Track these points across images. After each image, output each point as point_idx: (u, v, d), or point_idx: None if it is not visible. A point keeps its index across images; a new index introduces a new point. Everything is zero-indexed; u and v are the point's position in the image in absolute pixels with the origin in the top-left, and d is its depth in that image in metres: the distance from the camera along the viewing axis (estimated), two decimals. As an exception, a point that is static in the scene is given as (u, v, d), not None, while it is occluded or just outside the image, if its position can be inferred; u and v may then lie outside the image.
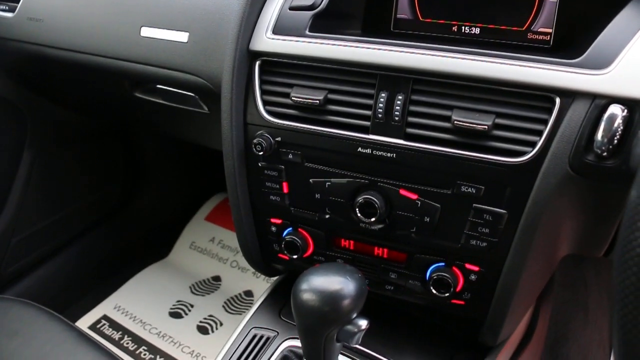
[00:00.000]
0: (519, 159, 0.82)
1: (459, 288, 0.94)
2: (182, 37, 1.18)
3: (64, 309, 2.14)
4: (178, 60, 1.20)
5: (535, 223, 0.84)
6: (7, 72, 1.70)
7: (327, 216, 0.98)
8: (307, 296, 0.80)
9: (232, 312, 2.08)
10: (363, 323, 0.82)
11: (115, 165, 2.25)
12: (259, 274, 2.21)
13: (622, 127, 0.75)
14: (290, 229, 1.04)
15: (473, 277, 0.93)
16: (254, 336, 1.08)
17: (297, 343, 1.04)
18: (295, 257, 1.04)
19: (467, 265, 0.93)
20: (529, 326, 1.27)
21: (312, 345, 0.84)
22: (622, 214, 0.52)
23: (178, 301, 2.14)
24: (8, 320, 1.49)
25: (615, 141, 0.75)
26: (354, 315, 0.82)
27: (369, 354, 1.02)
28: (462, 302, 0.96)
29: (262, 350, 1.06)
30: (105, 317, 2.10)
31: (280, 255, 1.08)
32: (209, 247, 2.37)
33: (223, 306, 2.10)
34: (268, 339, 1.07)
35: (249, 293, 2.15)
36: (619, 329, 0.50)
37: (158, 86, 1.34)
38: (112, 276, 2.27)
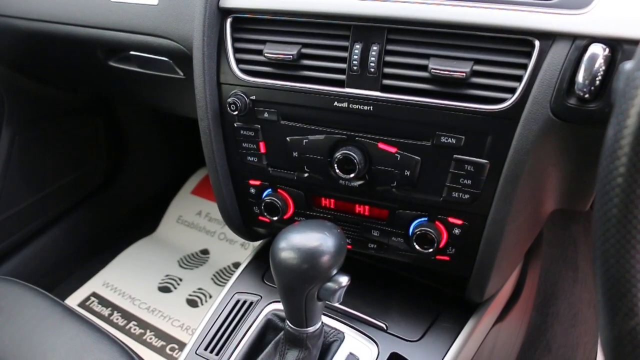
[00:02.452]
0: (499, 106, 0.80)
1: (442, 243, 0.92)
2: (152, -1, 1.15)
3: (52, 287, 2.12)
4: (149, 24, 1.17)
5: (518, 172, 0.82)
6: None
7: (306, 175, 0.96)
8: (285, 254, 0.78)
9: (221, 284, 2.07)
10: (344, 280, 0.80)
11: (97, 141, 2.21)
12: (247, 245, 2.19)
13: (603, 68, 0.73)
14: (270, 190, 1.02)
15: (457, 231, 0.91)
16: (237, 301, 1.06)
17: (281, 306, 1.02)
18: (275, 218, 1.01)
19: (450, 219, 0.91)
20: (517, 284, 1.26)
21: (293, 305, 0.82)
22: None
23: (167, 275, 2.13)
24: (-7, 297, 1.48)
25: (597, 82, 0.73)
26: (334, 272, 0.80)
27: (353, 314, 1.01)
28: (446, 258, 0.94)
29: (246, 315, 1.04)
30: (94, 294, 2.08)
31: (261, 217, 1.05)
32: (196, 221, 2.35)
33: (212, 278, 2.09)
34: (252, 303, 1.05)
35: (237, 265, 2.13)
36: (601, 265, 0.48)
37: (131, 53, 1.31)
38: (99, 253, 2.24)
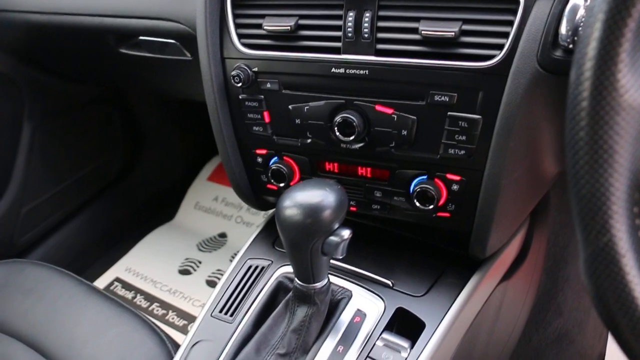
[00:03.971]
0: (488, 63, 0.83)
1: (442, 200, 0.96)
2: (155, -17, 1.20)
3: (77, 274, 2.19)
4: (156, 9, 1.23)
5: (510, 125, 0.85)
6: (-2, 45, 1.72)
7: (309, 140, 1.00)
8: (289, 212, 0.83)
9: (239, 265, 2.12)
10: (345, 233, 0.84)
11: (114, 132, 2.28)
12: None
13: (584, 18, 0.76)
14: (276, 158, 1.06)
15: (455, 187, 0.95)
16: (250, 266, 1.11)
17: (291, 269, 1.07)
18: (282, 185, 1.06)
19: (449, 176, 0.94)
20: (523, 245, 1.29)
21: (300, 261, 0.87)
22: None
23: (186, 259, 2.19)
24: (22, 280, 1.55)
25: (580, 32, 0.76)
26: (336, 226, 0.84)
27: (360, 273, 1.05)
28: (447, 215, 0.98)
29: (258, 278, 1.08)
30: (117, 279, 2.15)
31: (269, 185, 1.10)
32: (213, 206, 2.41)
33: (230, 260, 2.15)
34: (263, 268, 1.10)
35: (255, 246, 2.19)
36: (573, 186, 0.52)
37: (140, 38, 1.36)
38: (121, 241, 2.31)
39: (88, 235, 2.23)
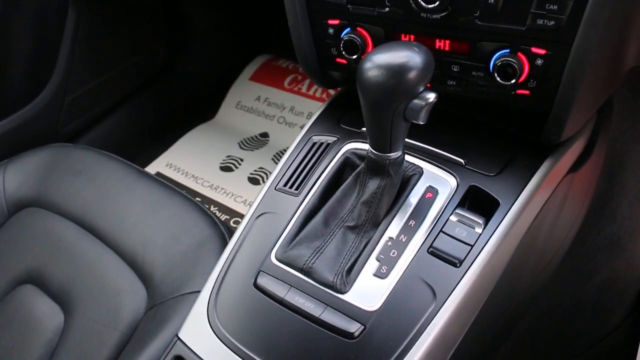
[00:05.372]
0: None
1: (524, 76, 0.91)
2: None
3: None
4: None
5: None
6: None
7: (387, 9, 0.95)
8: (373, 72, 0.79)
9: (281, 163, 2.11)
10: (431, 96, 0.81)
11: (158, 24, 2.23)
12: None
13: None
14: (349, 29, 1.02)
15: (539, 61, 0.90)
16: (314, 143, 1.09)
17: (359, 145, 1.04)
18: (354, 57, 1.02)
19: (534, 49, 0.89)
20: (589, 141, 1.25)
21: (379, 125, 0.84)
22: None
23: (228, 156, 2.19)
24: (72, 162, 1.55)
25: None
26: (421, 89, 0.81)
27: (432, 150, 1.02)
28: (527, 92, 0.94)
29: (323, 155, 1.06)
30: (158, 174, 2.16)
31: (338, 59, 1.06)
32: (255, 106, 2.39)
33: (272, 159, 2.14)
34: (329, 144, 1.07)
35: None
36: None
37: None
38: (162, 137, 2.31)
39: (130, 128, 2.23)
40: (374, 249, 0.93)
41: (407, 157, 1.01)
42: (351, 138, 1.07)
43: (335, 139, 1.08)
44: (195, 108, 2.41)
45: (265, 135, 2.27)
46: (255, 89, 2.43)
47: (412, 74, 0.78)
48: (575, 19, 0.84)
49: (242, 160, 2.15)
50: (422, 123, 0.83)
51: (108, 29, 2.04)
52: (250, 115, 2.35)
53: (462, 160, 1.00)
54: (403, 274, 0.90)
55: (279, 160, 2.11)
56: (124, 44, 2.12)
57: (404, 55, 0.79)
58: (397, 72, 0.78)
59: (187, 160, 2.19)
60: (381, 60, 0.79)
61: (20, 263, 1.40)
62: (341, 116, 1.13)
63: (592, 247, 1.54)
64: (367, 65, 0.80)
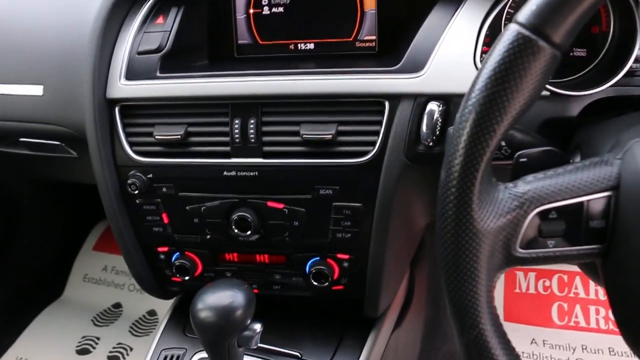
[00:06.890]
0: (363, 159, 0.96)
1: (335, 276, 1.07)
2: (37, 90, 1.19)
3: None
4: (37, 114, 1.22)
5: (388, 208, 0.98)
6: None
7: (208, 236, 1.08)
8: (204, 314, 0.90)
9: (139, 334, 2.12)
10: (257, 326, 0.93)
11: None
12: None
13: (440, 119, 0.90)
14: (178, 253, 1.13)
15: (346, 264, 1.06)
16: (165, 357, 1.16)
17: (206, 355, 1.13)
18: (187, 278, 1.13)
19: (339, 255, 1.06)
20: (407, 293, 1.43)
21: (218, 355, 0.94)
22: None
23: (83, 337, 2.14)
24: None
25: (437, 131, 0.90)
26: (248, 322, 0.93)
27: (269, 349, 1.13)
28: (341, 287, 1.09)
29: None
30: (9, 372, 2.07)
31: (174, 278, 1.16)
32: (103, 276, 2.37)
33: (129, 331, 2.13)
34: (178, 357, 1.16)
35: (152, 312, 2.19)
36: (447, 293, 0.65)
37: (21, 140, 1.36)
38: (7, 328, 2.20)
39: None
40: None
41: (250, 359, 1.12)
42: (198, 347, 1.16)
43: (183, 350, 1.16)
44: (40, 287, 2.34)
45: (118, 305, 2.26)
46: (101, 259, 2.42)
47: (238, 313, 0.90)
48: (367, 229, 1.02)
49: (98, 339, 2.13)
50: (254, 348, 0.95)
51: None
52: (100, 287, 2.33)
53: (298, 353, 1.12)
54: None
55: (136, 331, 2.13)
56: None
57: (229, 296, 0.91)
58: (225, 312, 0.89)
59: (40, 350, 2.11)
60: (210, 302, 0.90)
61: None
62: (185, 324, 1.22)
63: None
64: (199, 306, 0.91)
